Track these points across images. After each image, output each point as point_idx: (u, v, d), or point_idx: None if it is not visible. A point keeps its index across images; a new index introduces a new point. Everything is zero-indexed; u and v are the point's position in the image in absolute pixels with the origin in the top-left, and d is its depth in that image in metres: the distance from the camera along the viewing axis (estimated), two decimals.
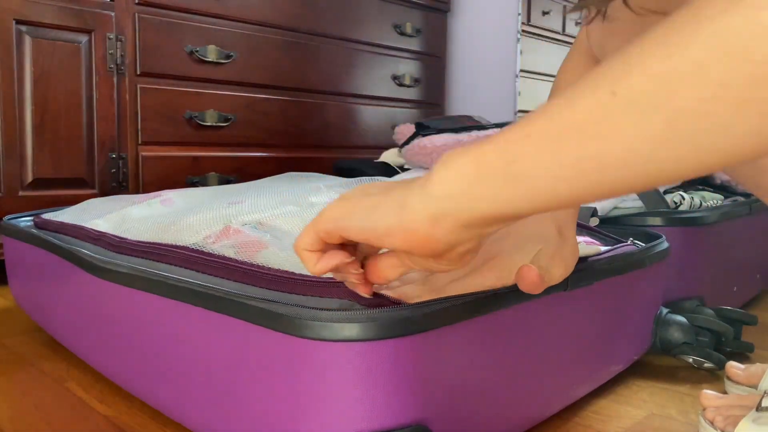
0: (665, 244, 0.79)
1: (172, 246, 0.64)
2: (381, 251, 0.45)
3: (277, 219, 0.66)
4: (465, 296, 0.50)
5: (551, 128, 0.32)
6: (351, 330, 0.44)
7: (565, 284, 0.59)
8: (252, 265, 0.56)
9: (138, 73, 1.43)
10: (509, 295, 0.53)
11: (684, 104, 0.27)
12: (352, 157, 1.86)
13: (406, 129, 1.34)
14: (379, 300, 0.47)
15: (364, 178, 0.88)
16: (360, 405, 0.45)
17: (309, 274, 0.51)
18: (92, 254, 0.70)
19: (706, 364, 0.81)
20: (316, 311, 0.45)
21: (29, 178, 1.30)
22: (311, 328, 0.44)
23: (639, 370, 0.83)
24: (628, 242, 0.78)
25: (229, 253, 0.59)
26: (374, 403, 0.45)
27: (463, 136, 1.19)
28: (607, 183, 0.31)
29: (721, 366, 0.81)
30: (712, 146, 0.28)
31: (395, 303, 0.47)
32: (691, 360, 0.81)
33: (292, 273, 0.53)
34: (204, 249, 0.61)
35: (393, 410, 0.46)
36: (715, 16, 0.26)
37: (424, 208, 0.37)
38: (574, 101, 0.31)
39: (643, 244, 0.77)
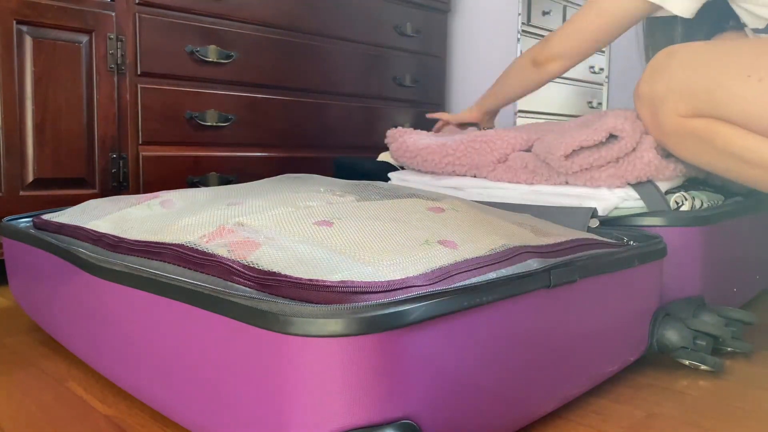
0: (658, 246, 0.79)
1: (166, 244, 0.64)
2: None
3: (272, 220, 0.66)
4: (450, 290, 0.50)
5: None
6: (335, 325, 0.44)
7: (548, 281, 0.59)
8: (242, 265, 0.56)
9: (138, 73, 1.43)
10: (495, 290, 0.53)
11: None
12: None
13: (398, 133, 1.31)
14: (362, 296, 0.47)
15: (362, 182, 0.88)
16: (346, 401, 0.45)
17: (295, 275, 0.51)
18: (88, 253, 0.70)
19: (702, 367, 0.81)
20: (299, 307, 0.45)
21: (30, 177, 1.30)
22: (295, 324, 0.44)
23: (639, 369, 0.83)
24: (624, 243, 0.78)
25: (222, 252, 0.59)
26: (360, 399, 0.45)
27: (448, 138, 1.17)
28: None
29: (717, 369, 0.81)
30: None
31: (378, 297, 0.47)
32: (687, 363, 0.82)
33: (279, 273, 0.53)
34: (198, 247, 0.61)
35: (379, 406, 0.46)
36: None
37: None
38: None
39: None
